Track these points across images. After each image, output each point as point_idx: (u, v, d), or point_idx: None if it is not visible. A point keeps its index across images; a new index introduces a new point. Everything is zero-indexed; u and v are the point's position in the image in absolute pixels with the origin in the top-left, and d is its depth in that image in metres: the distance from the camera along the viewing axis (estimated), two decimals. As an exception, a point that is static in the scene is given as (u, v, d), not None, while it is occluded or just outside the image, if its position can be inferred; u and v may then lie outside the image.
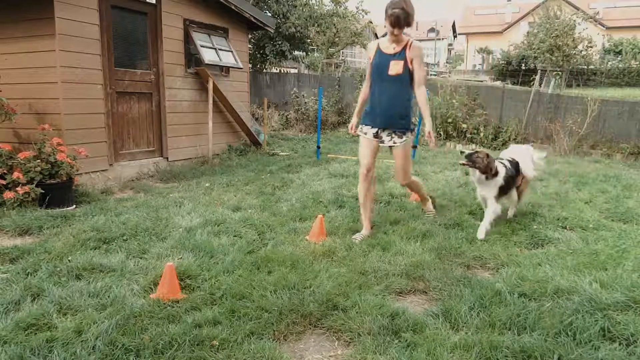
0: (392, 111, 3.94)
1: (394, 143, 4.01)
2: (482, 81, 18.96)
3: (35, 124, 5.43)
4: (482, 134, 11.01)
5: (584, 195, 5.72)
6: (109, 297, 2.81)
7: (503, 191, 4.28)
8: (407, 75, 3.88)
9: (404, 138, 4.00)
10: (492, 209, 4.19)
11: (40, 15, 5.43)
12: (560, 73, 17.03)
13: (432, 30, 55.12)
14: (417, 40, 4.05)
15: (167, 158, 7.23)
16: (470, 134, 11.11)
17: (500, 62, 24.17)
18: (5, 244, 3.78)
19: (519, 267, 3.40)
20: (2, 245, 3.76)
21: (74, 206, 5.00)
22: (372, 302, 2.77)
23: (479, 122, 11.17)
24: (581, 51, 19.87)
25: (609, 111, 10.52)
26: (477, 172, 4.12)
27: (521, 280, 3.10)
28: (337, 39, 16.96)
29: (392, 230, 4.21)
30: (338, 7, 15.68)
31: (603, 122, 10.52)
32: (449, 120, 11.16)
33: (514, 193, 4.54)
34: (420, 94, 3.93)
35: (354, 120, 4.26)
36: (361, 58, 32.39)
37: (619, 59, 24.63)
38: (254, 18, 8.62)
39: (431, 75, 22.60)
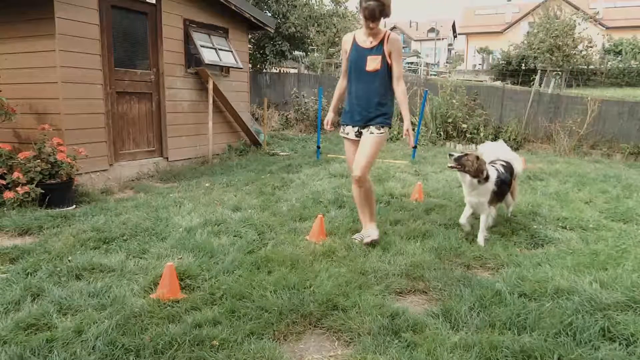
0: (372, 108, 3.76)
1: (371, 133, 3.79)
2: (482, 81, 18.95)
3: (35, 124, 5.43)
4: (482, 134, 11.00)
5: (584, 195, 5.73)
6: (109, 297, 2.81)
7: (497, 197, 4.05)
8: (386, 71, 3.71)
9: (382, 131, 3.79)
10: (487, 215, 3.98)
11: (40, 15, 5.43)
12: (560, 73, 17.04)
13: (432, 30, 55.19)
14: (395, 33, 3.84)
15: (167, 158, 7.23)
16: (470, 134, 11.10)
17: (500, 62, 24.13)
18: (5, 244, 3.78)
19: (519, 267, 3.40)
20: (2, 245, 3.76)
21: (74, 206, 5.00)
22: (372, 302, 2.77)
23: (479, 122, 11.16)
24: (581, 51, 19.88)
25: (609, 111, 10.52)
26: (467, 176, 3.87)
27: (521, 280, 3.10)
28: (337, 39, 16.96)
29: (392, 230, 4.22)
30: (338, 7, 15.66)
31: (603, 122, 10.52)
32: (449, 120, 11.16)
33: (508, 195, 4.43)
34: (399, 90, 3.75)
35: (330, 115, 4.11)
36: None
37: (619, 59, 24.63)
38: (254, 18, 8.63)
39: (431, 75, 22.61)
